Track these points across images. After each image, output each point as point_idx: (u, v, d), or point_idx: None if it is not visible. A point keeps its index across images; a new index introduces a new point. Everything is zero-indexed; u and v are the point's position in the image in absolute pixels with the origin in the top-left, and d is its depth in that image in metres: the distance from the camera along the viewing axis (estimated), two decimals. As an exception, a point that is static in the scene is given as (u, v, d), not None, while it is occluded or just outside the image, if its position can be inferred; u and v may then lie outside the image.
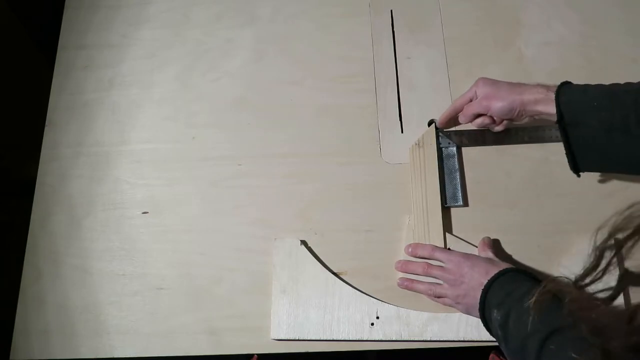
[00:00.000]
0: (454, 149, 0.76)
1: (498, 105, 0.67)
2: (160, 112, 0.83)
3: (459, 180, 0.75)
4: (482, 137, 0.77)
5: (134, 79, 0.85)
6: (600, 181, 0.74)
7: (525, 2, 0.86)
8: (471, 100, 0.72)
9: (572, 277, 0.50)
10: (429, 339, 0.66)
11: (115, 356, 0.70)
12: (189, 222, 0.76)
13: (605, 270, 0.46)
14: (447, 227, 0.72)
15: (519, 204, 0.74)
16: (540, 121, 0.78)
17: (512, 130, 0.77)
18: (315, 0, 0.88)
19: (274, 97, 0.82)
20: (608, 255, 0.45)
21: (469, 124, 0.75)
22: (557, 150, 0.76)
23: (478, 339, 0.66)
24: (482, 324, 0.66)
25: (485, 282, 0.60)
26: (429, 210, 0.72)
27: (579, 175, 0.66)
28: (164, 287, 0.72)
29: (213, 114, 0.82)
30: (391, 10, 0.87)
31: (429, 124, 0.79)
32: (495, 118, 0.71)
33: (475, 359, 0.76)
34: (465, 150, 0.77)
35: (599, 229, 0.45)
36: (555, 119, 0.63)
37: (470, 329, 0.66)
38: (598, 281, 0.47)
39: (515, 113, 0.67)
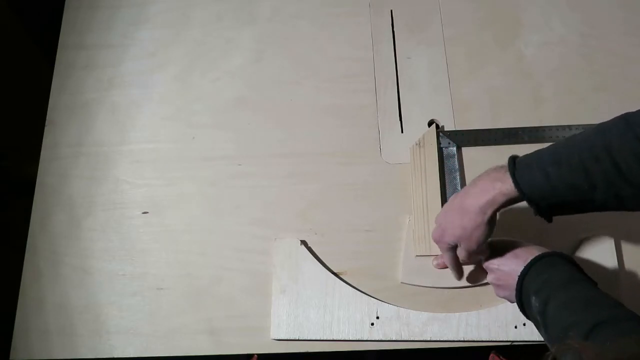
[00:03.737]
0: (454, 149, 0.76)
1: (482, 237, 0.59)
2: (160, 112, 0.83)
3: (459, 180, 0.75)
4: (482, 137, 0.77)
5: (134, 79, 0.85)
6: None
7: (525, 2, 0.86)
8: (454, 248, 0.64)
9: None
10: (428, 339, 0.66)
11: (115, 356, 0.70)
12: (189, 222, 0.76)
13: None
14: (447, 227, 0.72)
15: (518, 204, 0.73)
16: (541, 121, 0.78)
17: (512, 130, 0.77)
18: (315, 0, 0.88)
19: (273, 97, 0.82)
20: None
21: (468, 120, 0.76)
22: (557, 150, 0.76)
23: (478, 339, 0.66)
24: (482, 323, 0.66)
25: (520, 268, 0.57)
26: (429, 210, 0.72)
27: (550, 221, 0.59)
28: (164, 287, 0.72)
29: (213, 114, 0.82)
30: (391, 10, 0.87)
31: (429, 124, 0.79)
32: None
33: (475, 359, 0.76)
34: (465, 150, 0.77)
35: None
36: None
37: (470, 329, 0.66)
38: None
39: (495, 220, 0.60)
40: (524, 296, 0.57)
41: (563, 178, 0.53)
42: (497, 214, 0.58)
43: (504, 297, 0.62)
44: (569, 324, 0.50)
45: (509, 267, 0.60)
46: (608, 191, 0.52)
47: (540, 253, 0.59)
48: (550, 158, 0.55)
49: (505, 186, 0.56)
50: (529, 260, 0.58)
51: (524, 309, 0.58)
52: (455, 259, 0.64)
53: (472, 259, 0.63)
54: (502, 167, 0.58)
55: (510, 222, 0.72)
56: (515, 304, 0.59)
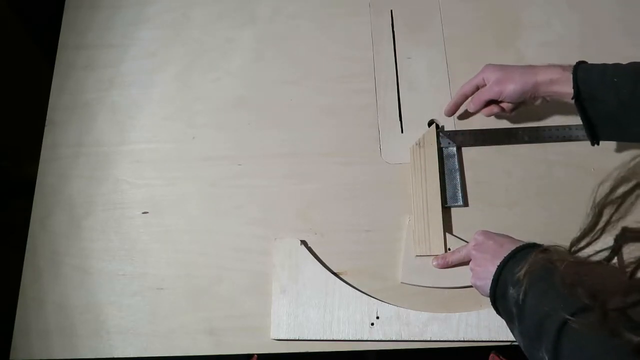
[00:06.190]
0: (454, 149, 0.76)
1: (510, 88, 0.68)
2: (160, 112, 0.83)
3: (459, 180, 0.75)
4: (482, 137, 0.77)
5: (134, 79, 0.85)
6: (600, 180, 0.74)
7: (525, 2, 0.86)
8: (478, 88, 0.73)
9: (566, 244, 0.48)
10: (428, 339, 0.66)
11: (115, 356, 0.70)
12: (189, 222, 0.76)
13: (604, 229, 0.43)
14: (447, 227, 0.72)
15: (519, 204, 0.74)
16: (541, 121, 0.78)
17: (512, 130, 0.77)
18: (315, 0, 0.88)
19: (273, 97, 0.82)
20: (608, 212, 0.43)
21: (468, 120, 0.76)
22: (557, 151, 0.76)
23: (478, 339, 0.66)
24: (482, 323, 0.66)
25: (502, 258, 0.58)
26: (429, 210, 0.72)
27: (597, 144, 0.67)
28: (164, 287, 0.72)
29: (213, 114, 0.82)
30: (391, 10, 0.87)
31: (429, 124, 0.79)
32: (505, 106, 0.72)
33: (475, 359, 0.76)
34: (465, 150, 0.77)
35: (600, 183, 0.43)
36: (569, 98, 0.64)
37: (470, 329, 0.66)
38: (596, 242, 0.45)
39: (528, 95, 0.68)
40: (499, 287, 0.57)
41: (615, 74, 0.61)
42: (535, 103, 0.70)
43: (479, 287, 0.62)
44: (548, 311, 0.50)
45: (492, 255, 0.60)
46: None
47: (521, 245, 0.59)
48: (614, 63, 0.64)
49: (568, 68, 0.65)
50: (510, 251, 0.58)
51: (497, 301, 0.58)
52: (472, 90, 0.74)
53: (477, 100, 0.72)
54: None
55: (512, 222, 0.73)
56: (486, 298, 0.59)
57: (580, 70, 0.64)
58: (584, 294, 0.43)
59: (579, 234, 0.45)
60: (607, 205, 0.43)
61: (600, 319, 0.41)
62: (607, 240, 0.45)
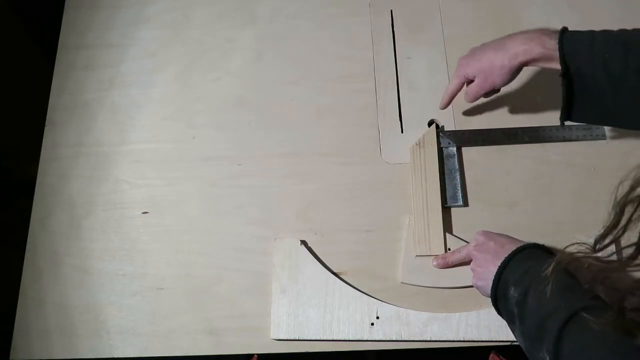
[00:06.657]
0: (454, 149, 0.76)
1: (499, 80, 0.67)
2: (160, 112, 0.83)
3: (459, 180, 0.75)
4: (482, 137, 0.77)
5: (134, 79, 0.85)
6: (600, 180, 0.74)
7: (525, 2, 0.86)
8: (463, 84, 0.72)
9: (591, 241, 0.48)
10: (428, 339, 0.66)
11: (115, 356, 0.70)
12: (189, 222, 0.76)
13: (626, 227, 0.43)
14: (447, 227, 0.72)
15: (519, 204, 0.74)
16: (541, 121, 0.78)
17: (512, 130, 0.77)
18: (315, 0, 0.88)
19: (273, 97, 0.82)
20: (629, 210, 0.43)
21: (468, 120, 0.77)
22: (557, 150, 0.76)
23: (478, 339, 0.66)
24: (482, 323, 0.66)
25: (503, 258, 0.59)
26: (429, 210, 0.72)
27: (563, 125, 0.66)
28: (164, 287, 0.72)
29: (213, 114, 0.82)
30: (391, 10, 0.87)
31: (429, 124, 0.79)
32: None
33: (475, 359, 0.76)
34: (465, 150, 0.77)
35: (620, 183, 0.43)
36: (557, 72, 0.62)
37: (470, 329, 0.66)
38: (619, 239, 0.45)
39: (518, 73, 0.66)
40: (500, 287, 0.58)
41: (605, 49, 0.58)
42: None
43: (480, 287, 0.62)
44: (549, 311, 0.50)
45: (493, 255, 0.61)
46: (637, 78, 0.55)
47: (522, 245, 0.59)
48: (601, 31, 0.60)
49: (550, 41, 0.61)
50: (510, 251, 0.59)
51: (498, 301, 0.58)
52: (458, 88, 0.72)
53: (472, 96, 0.70)
54: (555, 30, 0.62)
55: (512, 222, 0.73)
56: (486, 298, 0.60)
57: (566, 44, 0.60)
58: (603, 292, 0.43)
59: (601, 231, 0.46)
60: (627, 204, 0.43)
61: (616, 317, 0.41)
62: (631, 237, 0.45)
